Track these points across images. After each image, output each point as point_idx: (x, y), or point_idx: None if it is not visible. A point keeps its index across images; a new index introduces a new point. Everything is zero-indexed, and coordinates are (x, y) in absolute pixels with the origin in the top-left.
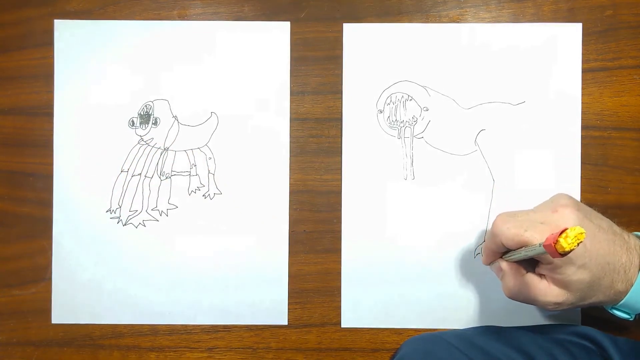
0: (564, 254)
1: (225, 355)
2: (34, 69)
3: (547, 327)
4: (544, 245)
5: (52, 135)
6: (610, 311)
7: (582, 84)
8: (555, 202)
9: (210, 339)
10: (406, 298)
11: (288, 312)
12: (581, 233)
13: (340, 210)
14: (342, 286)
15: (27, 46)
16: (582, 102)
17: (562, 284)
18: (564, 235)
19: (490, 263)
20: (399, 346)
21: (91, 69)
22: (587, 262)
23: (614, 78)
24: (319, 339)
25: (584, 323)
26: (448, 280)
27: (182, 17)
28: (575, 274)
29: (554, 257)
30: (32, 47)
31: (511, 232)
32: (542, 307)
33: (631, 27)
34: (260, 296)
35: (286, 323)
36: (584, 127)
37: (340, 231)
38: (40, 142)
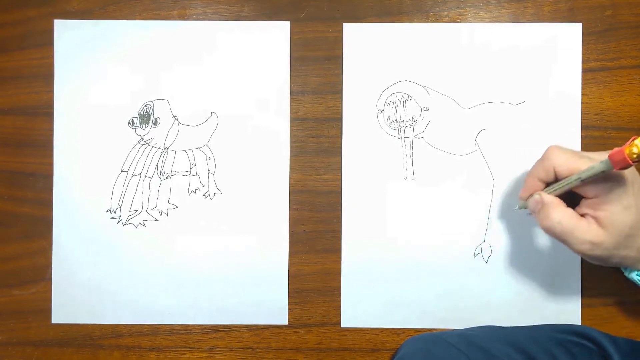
0: (635, 161)
1: (225, 355)
2: (34, 69)
3: (547, 327)
4: (610, 156)
5: (52, 135)
6: (629, 276)
7: (582, 84)
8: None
9: (210, 338)
10: (406, 298)
11: (288, 312)
12: None
13: (340, 210)
14: (342, 286)
15: (27, 46)
16: (582, 102)
17: (604, 223)
18: (634, 142)
19: (527, 197)
20: (399, 346)
21: (91, 69)
22: (632, 204)
23: (614, 78)
24: (319, 339)
25: (584, 323)
26: (448, 281)
27: (182, 17)
28: (619, 213)
29: (617, 169)
30: (32, 47)
31: (566, 155)
32: (577, 246)
33: (631, 27)
34: (260, 296)
35: (286, 323)
36: (584, 127)
37: (340, 231)
38: (40, 142)
